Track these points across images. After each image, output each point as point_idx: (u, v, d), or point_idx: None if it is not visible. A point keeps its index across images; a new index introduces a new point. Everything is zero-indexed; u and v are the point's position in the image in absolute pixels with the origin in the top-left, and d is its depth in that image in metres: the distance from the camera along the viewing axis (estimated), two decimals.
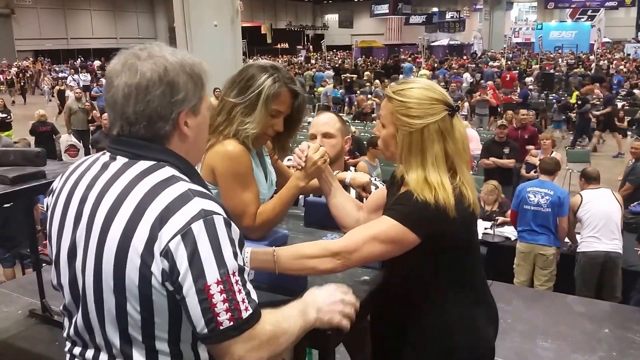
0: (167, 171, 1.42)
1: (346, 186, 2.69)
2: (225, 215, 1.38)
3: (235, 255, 1.36)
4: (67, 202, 1.50)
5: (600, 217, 5.91)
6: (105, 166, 1.47)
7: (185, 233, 1.31)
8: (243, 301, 1.35)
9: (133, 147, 1.45)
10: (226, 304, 1.32)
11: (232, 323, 1.33)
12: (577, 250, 6.03)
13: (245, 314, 1.35)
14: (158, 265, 1.32)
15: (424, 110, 1.84)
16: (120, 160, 1.46)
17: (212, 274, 1.31)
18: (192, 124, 1.49)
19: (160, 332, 1.40)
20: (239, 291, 1.34)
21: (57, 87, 22.43)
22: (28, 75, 27.31)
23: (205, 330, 1.33)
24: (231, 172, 2.17)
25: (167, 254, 1.30)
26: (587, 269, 5.92)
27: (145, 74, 1.41)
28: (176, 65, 1.45)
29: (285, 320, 1.50)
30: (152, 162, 1.43)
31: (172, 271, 1.31)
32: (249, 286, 1.39)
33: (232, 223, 1.40)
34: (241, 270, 1.37)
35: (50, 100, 24.13)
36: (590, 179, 6.37)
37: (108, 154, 1.50)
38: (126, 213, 1.35)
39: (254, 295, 1.39)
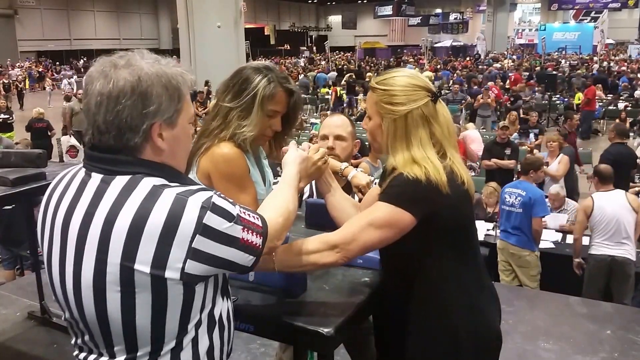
0: (147, 183, 1.41)
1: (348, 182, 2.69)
2: (213, 192, 1.45)
3: (231, 202, 1.48)
4: (52, 225, 1.49)
5: (611, 223, 5.74)
6: (83, 184, 1.46)
7: (203, 230, 1.38)
8: (253, 217, 1.53)
9: (106, 163, 1.44)
10: (254, 233, 1.50)
11: (261, 237, 1.52)
12: (588, 253, 5.93)
13: (259, 222, 1.54)
14: (178, 270, 1.37)
15: (406, 97, 1.88)
16: (96, 177, 1.45)
17: (238, 231, 1.45)
18: (168, 136, 1.47)
19: (170, 331, 1.43)
20: (248, 215, 1.51)
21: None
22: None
23: (255, 258, 1.51)
24: (227, 174, 2.15)
25: (196, 254, 1.38)
26: (593, 272, 5.85)
27: (118, 83, 1.39)
28: (152, 76, 1.42)
29: (287, 201, 1.75)
30: (128, 177, 1.42)
31: (207, 260, 1.40)
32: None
33: (219, 193, 1.48)
34: (237, 204, 1.51)
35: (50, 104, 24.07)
36: (603, 178, 6.00)
37: (84, 169, 1.50)
38: (120, 236, 1.36)
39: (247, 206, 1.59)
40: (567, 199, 7.52)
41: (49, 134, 13.11)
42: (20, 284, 5.41)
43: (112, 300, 1.38)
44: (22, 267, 6.82)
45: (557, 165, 8.23)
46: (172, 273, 1.36)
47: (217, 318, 1.54)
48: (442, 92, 17.18)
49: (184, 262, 1.36)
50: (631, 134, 16.16)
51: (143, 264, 1.35)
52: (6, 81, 25.38)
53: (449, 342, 1.93)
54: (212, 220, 1.38)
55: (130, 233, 1.35)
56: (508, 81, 22.20)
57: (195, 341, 1.49)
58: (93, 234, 1.39)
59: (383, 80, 1.94)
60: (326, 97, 22.26)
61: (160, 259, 1.35)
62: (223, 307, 1.58)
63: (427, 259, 1.93)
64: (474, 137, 10.73)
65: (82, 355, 1.54)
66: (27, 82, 31.02)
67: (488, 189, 7.50)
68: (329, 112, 11.32)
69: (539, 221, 6.07)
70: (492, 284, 2.11)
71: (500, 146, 9.21)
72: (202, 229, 1.37)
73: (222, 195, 1.46)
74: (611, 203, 5.80)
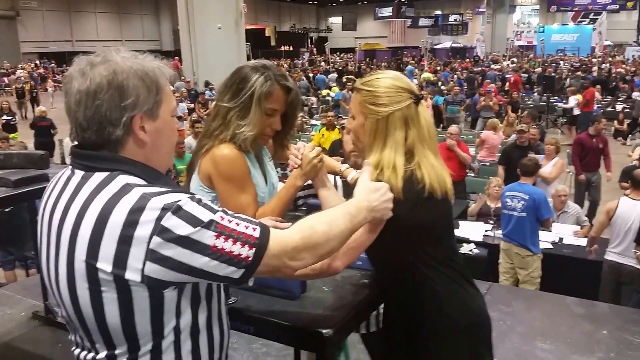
0: (120, 181, 1.40)
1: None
2: (189, 196, 1.38)
3: (211, 209, 1.39)
4: (41, 222, 1.52)
5: (628, 235, 5.60)
6: (67, 181, 1.48)
7: (161, 231, 1.32)
8: (247, 227, 1.41)
9: (87, 159, 1.45)
10: (237, 242, 1.38)
11: (254, 249, 1.40)
12: (604, 257, 5.86)
13: (256, 234, 1.41)
14: (138, 272, 1.33)
15: (390, 98, 1.92)
16: (78, 174, 1.46)
17: (208, 237, 1.35)
18: (150, 128, 1.47)
19: (143, 332, 1.42)
20: (237, 224, 1.40)
21: None
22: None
23: (242, 270, 1.39)
24: (227, 175, 2.18)
25: (154, 256, 1.32)
26: (605, 277, 5.82)
27: (95, 79, 1.41)
28: (126, 69, 1.43)
29: (322, 223, 1.55)
30: (106, 174, 1.42)
31: (168, 264, 1.33)
32: (238, 214, 1.45)
33: (202, 199, 1.40)
34: (224, 211, 1.41)
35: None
36: (636, 183, 5.75)
37: (70, 167, 1.51)
38: (86, 233, 1.36)
39: (246, 215, 1.46)
40: (568, 201, 7.46)
41: (52, 132, 13.42)
42: (25, 284, 5.43)
43: (83, 297, 1.39)
44: (26, 267, 6.83)
45: (551, 167, 8.16)
46: (132, 274, 1.33)
47: (202, 325, 1.52)
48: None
49: (143, 264, 1.32)
50: (630, 135, 16.23)
51: (105, 263, 1.33)
52: (19, 86, 24.52)
53: (446, 331, 1.97)
54: (171, 222, 1.32)
55: (94, 230, 1.34)
56: (507, 83, 22.14)
57: (177, 345, 1.47)
58: (66, 230, 1.40)
59: (368, 81, 1.99)
60: (327, 98, 22.26)
61: (120, 258, 1.32)
62: (211, 313, 1.56)
63: (405, 261, 1.96)
64: (493, 140, 10.65)
65: (77, 351, 1.55)
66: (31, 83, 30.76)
67: (494, 181, 7.50)
68: (330, 114, 11.24)
69: (549, 222, 6.08)
70: (469, 274, 2.13)
71: (520, 149, 8.60)
72: (160, 230, 1.31)
73: (203, 203, 1.39)
74: (634, 214, 5.59)
